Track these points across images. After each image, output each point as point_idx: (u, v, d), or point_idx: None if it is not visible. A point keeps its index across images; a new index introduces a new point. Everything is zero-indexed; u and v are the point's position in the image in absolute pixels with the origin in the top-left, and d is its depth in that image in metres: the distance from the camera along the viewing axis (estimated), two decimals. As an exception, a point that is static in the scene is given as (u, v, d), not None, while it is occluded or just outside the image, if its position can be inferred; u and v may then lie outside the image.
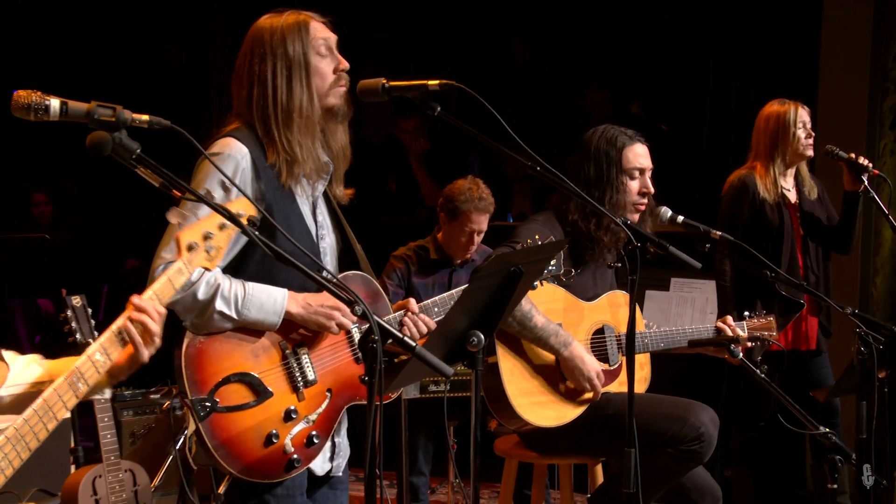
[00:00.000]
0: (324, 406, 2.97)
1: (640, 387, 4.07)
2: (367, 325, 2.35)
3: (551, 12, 7.99)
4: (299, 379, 2.93)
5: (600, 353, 3.99)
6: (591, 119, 6.88)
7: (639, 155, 4.03)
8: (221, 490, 3.03)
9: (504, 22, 8.27)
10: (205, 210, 2.52)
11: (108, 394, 2.97)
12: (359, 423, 3.22)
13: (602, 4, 7.80)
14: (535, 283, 3.56)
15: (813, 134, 5.11)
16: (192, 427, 2.82)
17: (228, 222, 2.39)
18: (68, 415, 2.26)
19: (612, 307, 4.08)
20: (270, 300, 2.87)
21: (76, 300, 3.87)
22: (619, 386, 4.00)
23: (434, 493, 5.99)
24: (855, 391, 3.72)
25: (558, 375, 3.91)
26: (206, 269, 2.42)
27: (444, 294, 3.23)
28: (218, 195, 2.81)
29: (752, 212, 5.09)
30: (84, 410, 4.29)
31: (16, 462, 2.20)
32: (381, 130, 7.99)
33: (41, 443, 2.22)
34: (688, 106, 7.05)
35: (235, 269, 2.91)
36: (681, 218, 3.64)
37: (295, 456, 2.89)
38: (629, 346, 3.08)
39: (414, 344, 2.41)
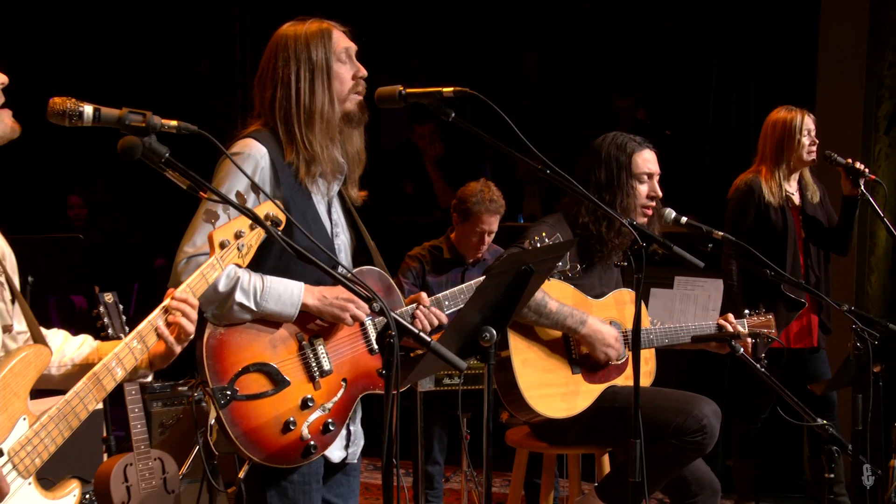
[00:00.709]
0: (339, 395, 2.97)
1: (646, 380, 4.07)
2: (385, 322, 2.35)
3: (561, 24, 7.99)
4: (315, 369, 2.93)
5: (607, 349, 3.98)
6: (618, 124, 6.86)
7: (647, 160, 4.02)
8: (241, 474, 3.03)
9: (517, 34, 8.27)
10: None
11: (149, 377, 3.01)
12: (376, 413, 3.23)
13: (610, 17, 7.79)
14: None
15: (817, 141, 5.10)
16: (212, 415, 2.83)
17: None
18: (100, 404, 2.29)
19: (618, 304, 4.07)
20: (288, 292, 2.88)
21: (108, 297, 3.88)
22: (625, 380, 3.99)
23: (448, 481, 5.98)
24: (851, 385, 3.70)
25: (568, 368, 3.90)
26: (239, 265, 2.44)
27: (455, 288, 3.24)
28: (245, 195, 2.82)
29: (758, 214, 5.09)
30: (116, 401, 4.31)
31: (58, 440, 2.25)
32: (397, 135, 8.00)
33: (81, 422, 2.27)
34: (691, 112, 7.04)
35: (255, 264, 2.91)
36: (684, 219, 3.63)
37: (312, 442, 2.90)
38: (635, 341, 3.07)
39: (429, 339, 2.41)
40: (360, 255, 3.18)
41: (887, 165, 6.03)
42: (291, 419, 2.87)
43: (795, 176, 5.21)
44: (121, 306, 3.75)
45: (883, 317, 4.07)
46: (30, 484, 2.24)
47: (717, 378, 6.20)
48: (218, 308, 2.84)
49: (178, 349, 2.37)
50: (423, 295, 3.13)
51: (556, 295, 3.87)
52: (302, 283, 2.91)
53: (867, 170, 4.98)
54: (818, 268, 5.17)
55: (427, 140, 7.51)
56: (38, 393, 2.39)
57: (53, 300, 7.99)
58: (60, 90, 2.29)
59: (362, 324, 3.03)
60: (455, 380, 4.91)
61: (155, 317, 2.32)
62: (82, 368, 2.40)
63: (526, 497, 5.12)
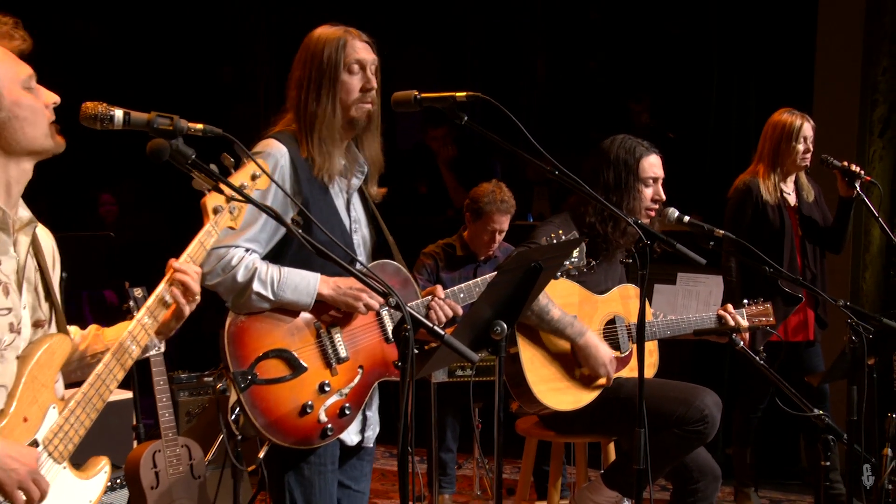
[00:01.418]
0: (356, 381, 2.97)
1: (649, 372, 4.05)
2: (400, 315, 2.36)
3: (570, 31, 7.97)
4: (332, 356, 2.94)
5: (612, 342, 3.97)
6: (631, 127, 6.84)
7: (654, 165, 4.00)
8: (261, 455, 3.04)
9: (526, 41, 8.25)
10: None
11: (162, 347, 3.03)
12: (392, 402, 3.22)
13: (616, 24, 7.77)
14: (558, 275, 3.56)
15: (811, 149, 5.08)
16: (232, 398, 2.85)
17: (247, 182, 2.45)
18: (118, 383, 2.31)
19: (622, 299, 4.06)
20: (304, 282, 2.89)
21: (138, 291, 3.91)
22: (629, 371, 3.98)
23: (461, 468, 5.99)
24: (846, 377, 3.69)
25: (574, 363, 3.89)
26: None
27: (470, 282, 3.23)
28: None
29: (756, 213, 5.07)
30: (145, 391, 4.32)
31: (87, 423, 2.26)
32: (412, 138, 8.00)
33: (105, 403, 2.28)
34: (693, 115, 7.02)
35: (275, 256, 2.94)
36: (687, 218, 3.62)
37: (329, 425, 2.91)
38: (640, 334, 3.06)
39: (443, 333, 2.41)
40: (380, 250, 3.18)
41: (881, 167, 6.01)
42: (309, 403, 2.88)
43: (791, 177, 5.19)
44: (149, 301, 3.75)
45: (877, 312, 4.06)
46: (64, 468, 2.25)
47: (717, 370, 6.18)
48: (237, 297, 2.86)
49: (187, 310, 2.38)
50: (439, 288, 3.14)
51: (563, 292, 3.86)
52: (318, 274, 2.92)
53: (862, 171, 4.96)
54: (814, 264, 5.15)
55: (440, 142, 7.51)
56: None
57: (85, 295, 8.02)
58: (92, 96, 2.30)
59: (378, 314, 3.04)
60: (467, 371, 4.91)
61: (162, 291, 2.33)
62: (93, 357, 2.42)
63: (535, 483, 5.11)
